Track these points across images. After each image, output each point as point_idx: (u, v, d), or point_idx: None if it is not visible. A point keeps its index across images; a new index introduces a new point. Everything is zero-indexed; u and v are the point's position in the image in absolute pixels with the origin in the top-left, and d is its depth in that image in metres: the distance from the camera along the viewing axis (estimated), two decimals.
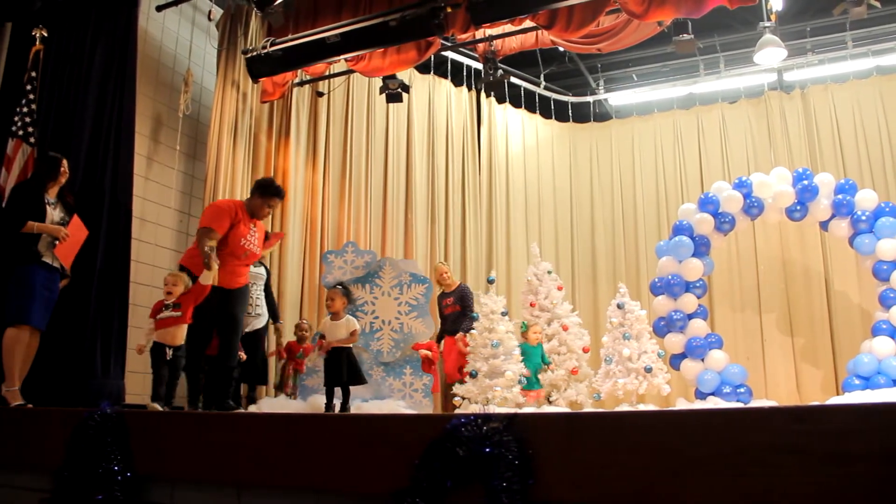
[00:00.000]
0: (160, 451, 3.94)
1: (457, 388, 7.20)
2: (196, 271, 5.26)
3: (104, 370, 6.45)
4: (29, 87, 6.16)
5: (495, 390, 7.07)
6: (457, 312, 7.74)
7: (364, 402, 6.51)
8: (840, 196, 8.53)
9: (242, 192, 7.99)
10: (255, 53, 7.80)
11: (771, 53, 8.41)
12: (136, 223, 7.25)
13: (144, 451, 3.95)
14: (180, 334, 5.10)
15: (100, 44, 6.98)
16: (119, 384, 6.56)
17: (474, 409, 6.07)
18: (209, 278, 5.19)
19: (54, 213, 5.34)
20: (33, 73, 6.20)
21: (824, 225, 8.87)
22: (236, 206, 5.68)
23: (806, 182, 8.55)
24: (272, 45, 7.73)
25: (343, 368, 5.34)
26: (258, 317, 6.59)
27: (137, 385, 6.96)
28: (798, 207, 8.64)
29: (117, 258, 6.73)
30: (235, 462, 3.64)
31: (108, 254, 6.64)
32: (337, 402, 5.47)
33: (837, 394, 8.32)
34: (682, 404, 8.42)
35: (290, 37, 7.76)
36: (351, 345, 5.46)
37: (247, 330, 6.29)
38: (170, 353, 5.03)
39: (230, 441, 3.71)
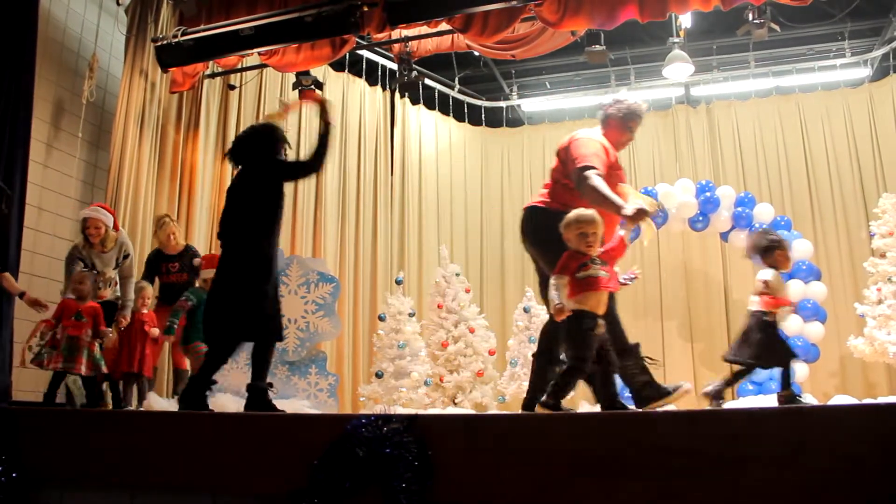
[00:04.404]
0: (51, 452, 3.78)
1: (362, 389, 7.17)
2: (609, 224, 4.06)
3: None
4: None
5: (400, 391, 7.07)
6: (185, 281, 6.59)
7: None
8: (740, 209, 8.87)
9: (148, 185, 7.75)
10: (165, 42, 7.58)
11: (679, 68, 8.69)
12: (34, 212, 6.95)
13: (35, 451, 3.79)
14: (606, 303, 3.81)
15: None
16: (6, 380, 6.27)
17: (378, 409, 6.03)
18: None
19: None
20: None
21: (724, 236, 9.21)
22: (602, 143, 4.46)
23: (708, 194, 8.85)
24: (183, 34, 7.53)
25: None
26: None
27: (29, 381, 6.67)
28: (700, 218, 8.95)
29: (8, 248, 6.42)
30: (129, 462, 3.53)
31: None
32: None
33: (733, 398, 8.62)
34: (584, 407, 8.58)
35: (202, 27, 7.58)
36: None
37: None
38: (601, 326, 3.72)
39: (124, 441, 3.60)
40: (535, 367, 4.29)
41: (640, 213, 3.92)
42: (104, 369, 5.47)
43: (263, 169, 4.70)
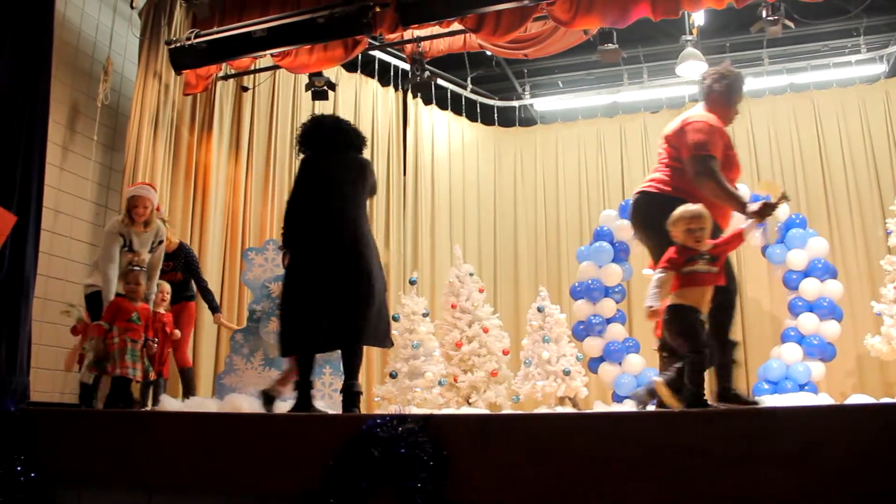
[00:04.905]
0: (68, 452, 3.81)
1: (376, 389, 7.17)
2: (722, 222, 4.01)
3: (9, 367, 6.19)
4: None
5: (415, 391, 7.08)
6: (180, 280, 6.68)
7: (283, 402, 6.42)
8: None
9: (162, 186, 7.79)
10: (178, 45, 7.62)
11: (692, 66, 8.65)
12: (50, 214, 6.99)
13: (52, 451, 3.82)
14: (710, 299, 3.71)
15: (12, 25, 6.68)
16: (24, 381, 6.31)
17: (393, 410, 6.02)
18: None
19: None
20: None
21: None
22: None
23: None
24: (197, 36, 7.56)
25: None
26: None
27: (45, 382, 6.72)
28: None
29: (25, 249, 6.46)
30: (145, 462, 3.55)
31: (15, 245, 6.36)
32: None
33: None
34: (599, 407, 8.57)
35: (215, 29, 7.61)
36: None
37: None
38: (705, 322, 3.64)
39: (140, 441, 3.62)
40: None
41: (765, 209, 3.80)
42: (152, 374, 5.48)
43: (365, 167, 4.65)
